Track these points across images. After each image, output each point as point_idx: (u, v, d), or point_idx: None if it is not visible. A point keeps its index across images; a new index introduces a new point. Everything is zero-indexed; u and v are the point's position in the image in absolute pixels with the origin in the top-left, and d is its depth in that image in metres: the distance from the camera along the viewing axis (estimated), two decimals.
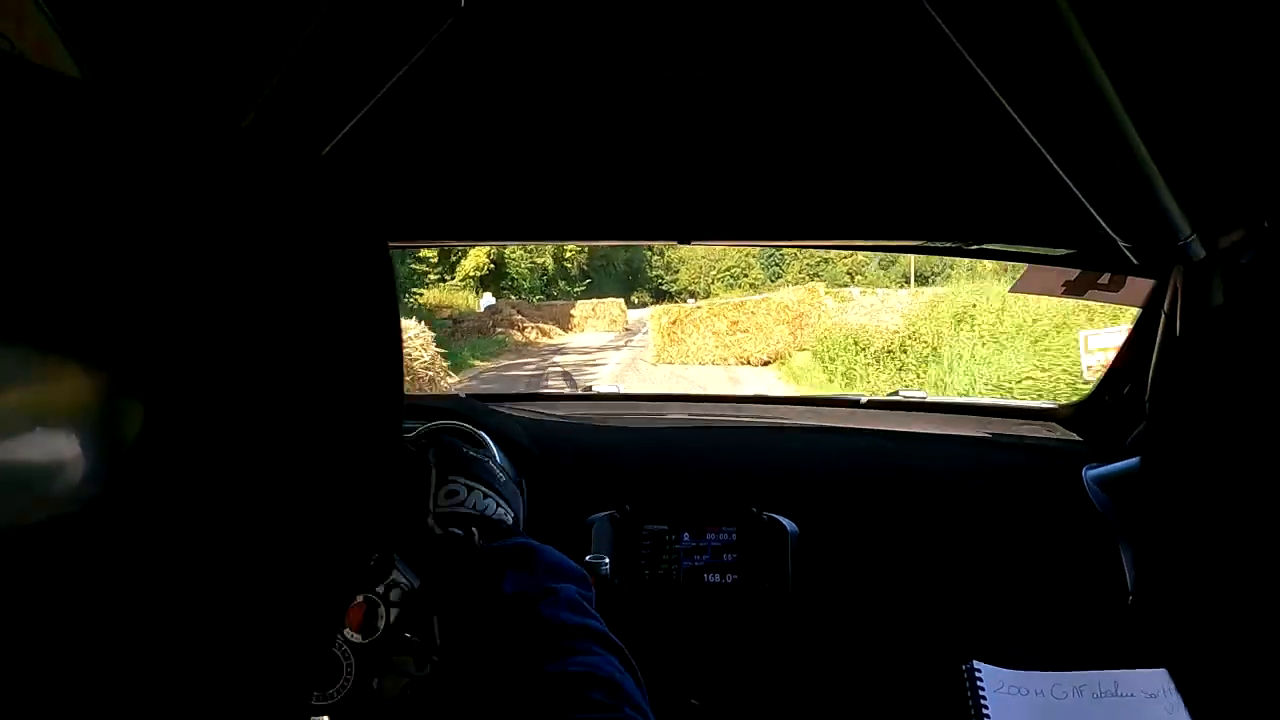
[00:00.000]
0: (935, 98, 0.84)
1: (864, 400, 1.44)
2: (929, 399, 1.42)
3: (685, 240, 1.18)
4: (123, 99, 0.21)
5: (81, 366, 0.18)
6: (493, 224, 1.18)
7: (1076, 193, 0.79)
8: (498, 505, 0.67)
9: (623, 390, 1.52)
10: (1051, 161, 0.75)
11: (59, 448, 0.18)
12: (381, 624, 0.57)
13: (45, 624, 0.18)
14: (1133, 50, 0.61)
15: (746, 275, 39.81)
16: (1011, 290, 1.42)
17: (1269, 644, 0.79)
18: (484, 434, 1.08)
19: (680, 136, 0.96)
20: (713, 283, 40.30)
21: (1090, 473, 1.10)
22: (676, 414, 1.39)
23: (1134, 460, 1.05)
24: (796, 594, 1.06)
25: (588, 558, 0.92)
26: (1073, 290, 1.13)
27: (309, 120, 0.79)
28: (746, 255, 39.34)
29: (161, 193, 0.20)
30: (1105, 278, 1.09)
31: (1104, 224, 0.84)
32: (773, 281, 37.49)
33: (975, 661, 0.77)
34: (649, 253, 39.91)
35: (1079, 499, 1.07)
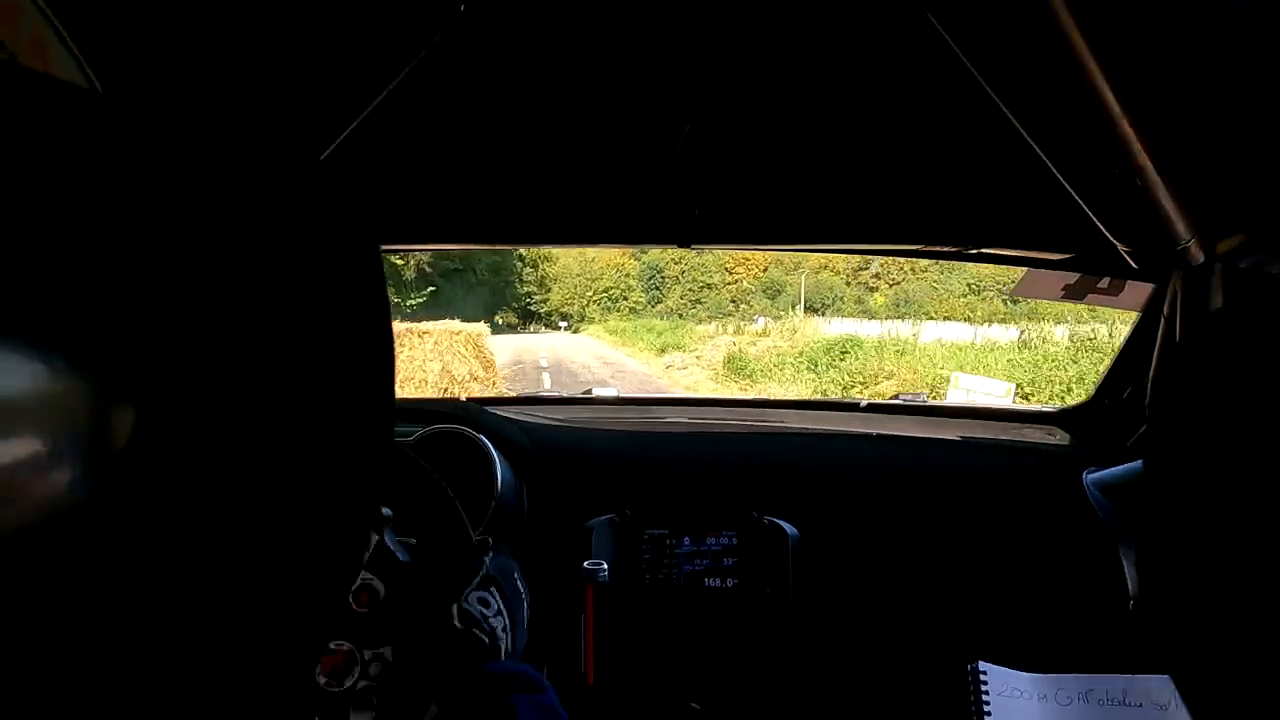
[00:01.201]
0: (935, 103, 0.84)
1: (864, 404, 1.44)
2: (929, 403, 1.42)
3: (686, 244, 1.18)
4: (117, 102, 0.21)
5: (71, 369, 0.18)
6: (493, 227, 1.18)
7: (1076, 197, 0.79)
8: (507, 643, 0.67)
9: (622, 394, 1.51)
10: (1051, 166, 0.75)
11: (46, 451, 0.18)
12: (349, 683, 0.56)
13: (31, 629, 0.18)
14: (1131, 56, 0.61)
15: (626, 298, 37.20)
16: (1012, 294, 1.42)
17: (1272, 648, 0.79)
18: (484, 438, 1.08)
19: (681, 141, 0.96)
20: (588, 305, 37.02)
21: (1090, 477, 1.10)
22: (676, 418, 1.39)
23: (1134, 464, 1.05)
24: (797, 598, 1.06)
25: (587, 563, 0.92)
26: (1072, 294, 1.13)
27: (314, 120, 0.80)
28: (626, 276, 37.21)
29: (154, 196, 0.20)
30: (1105, 282, 1.09)
31: (1103, 228, 0.84)
32: (653, 306, 35.54)
33: (981, 663, 0.76)
34: (519, 263, 35.77)
35: (1079, 503, 1.07)
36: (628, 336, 24.28)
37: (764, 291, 34.02)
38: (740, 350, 15.54)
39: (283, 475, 0.22)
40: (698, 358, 16.52)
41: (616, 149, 0.99)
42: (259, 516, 0.22)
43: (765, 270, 34.30)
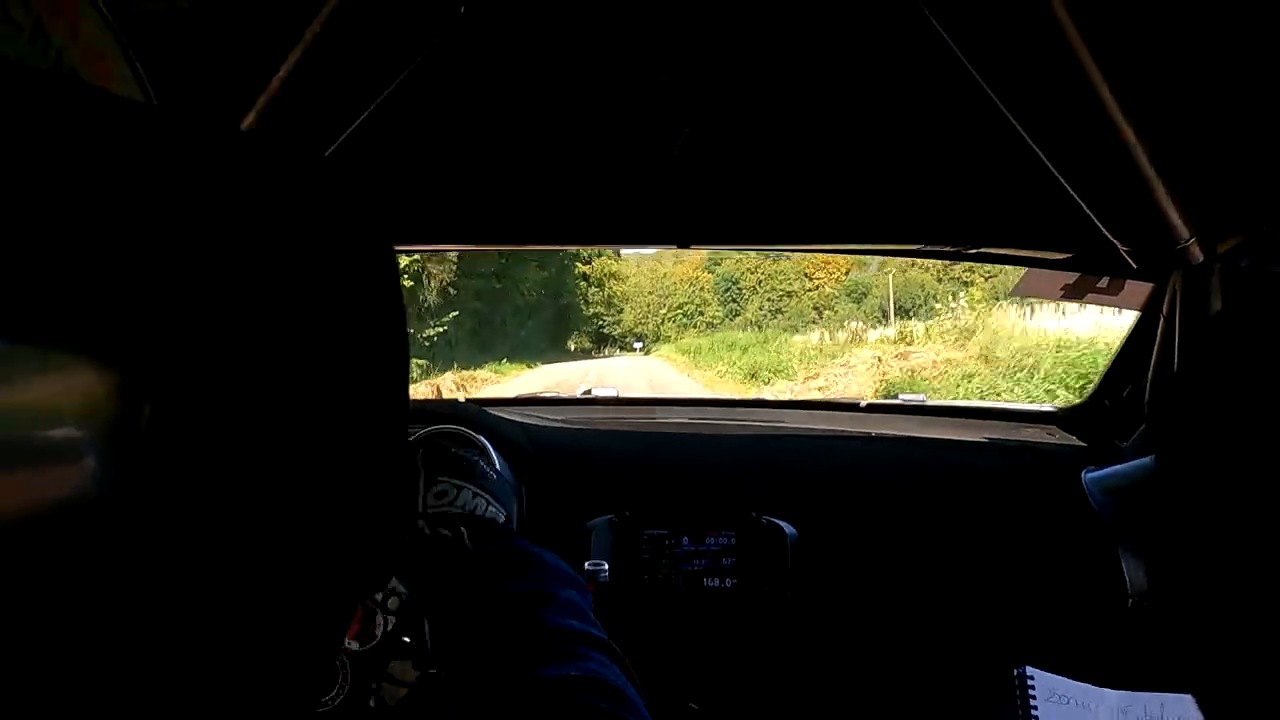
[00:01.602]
0: (934, 102, 0.84)
1: (864, 404, 1.44)
2: (929, 403, 1.42)
3: (685, 244, 1.18)
4: (130, 101, 0.21)
5: (89, 365, 0.18)
6: (494, 228, 1.18)
7: (1075, 196, 0.79)
8: (489, 504, 0.67)
9: (621, 395, 1.51)
10: (1049, 165, 0.75)
11: (65, 446, 0.18)
12: (379, 632, 0.57)
13: (47, 623, 0.18)
14: (1131, 54, 0.61)
15: (702, 313, 35.01)
16: (1011, 294, 1.42)
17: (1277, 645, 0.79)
18: (481, 437, 1.08)
19: (679, 141, 0.96)
20: (663, 323, 35.18)
21: (1090, 476, 1.10)
22: (675, 418, 1.39)
23: (1133, 464, 1.05)
24: (796, 598, 1.06)
25: (587, 564, 0.92)
26: (1072, 294, 1.13)
27: (312, 122, 0.79)
28: (701, 290, 35.24)
29: (168, 194, 0.20)
30: (1104, 281, 1.09)
31: (1102, 228, 0.84)
32: (731, 319, 33.12)
33: (1027, 667, 0.76)
34: (582, 282, 33.40)
35: (1078, 502, 1.07)
36: (703, 357, 18.75)
37: (848, 295, 31.58)
38: (912, 372, 10.13)
39: (299, 472, 0.23)
40: (820, 389, 11.27)
41: (616, 150, 0.99)
42: (274, 514, 0.22)
43: (847, 273, 31.98)
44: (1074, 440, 1.25)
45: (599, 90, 0.87)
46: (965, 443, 1.25)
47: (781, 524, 1.08)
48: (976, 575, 1.08)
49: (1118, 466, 1.08)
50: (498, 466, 0.74)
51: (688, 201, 1.07)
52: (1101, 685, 0.79)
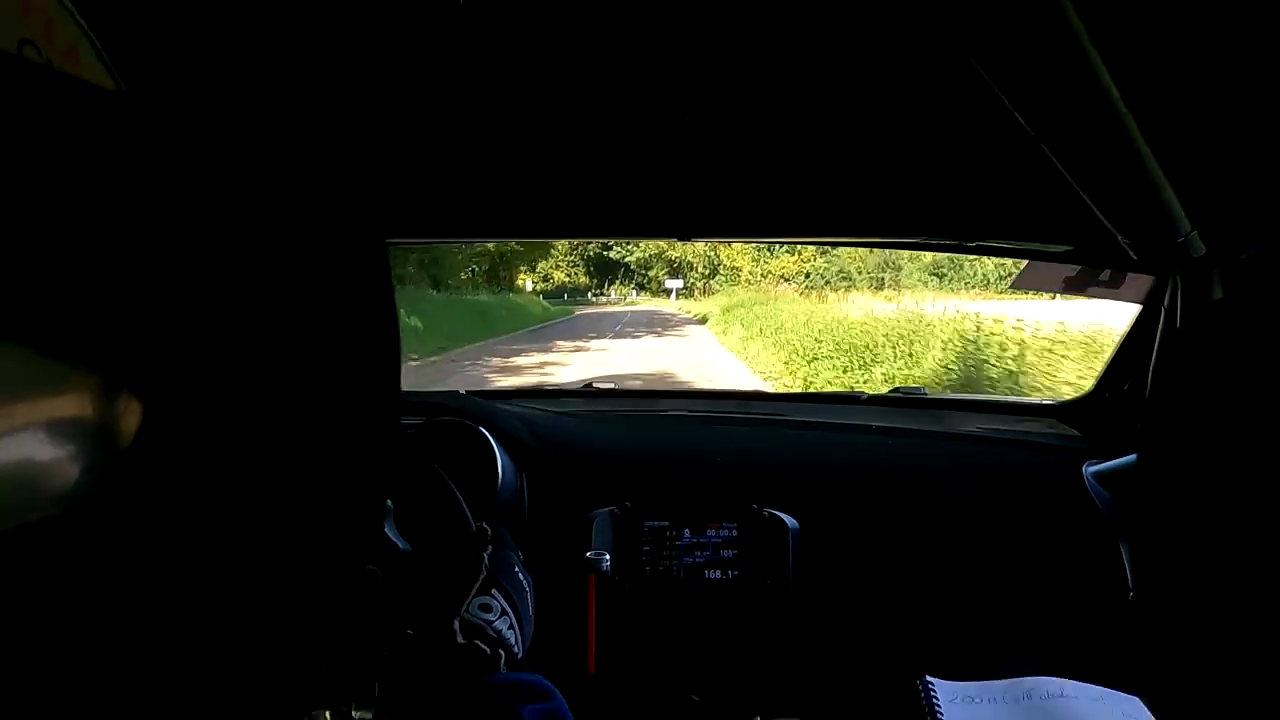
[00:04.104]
0: (934, 94, 0.84)
1: (864, 396, 1.44)
2: (929, 395, 1.42)
3: (685, 237, 1.18)
4: (138, 103, 0.21)
5: (81, 365, 0.18)
6: (491, 220, 1.18)
7: (1076, 188, 0.79)
8: (515, 641, 0.66)
9: (622, 387, 1.51)
10: (1051, 157, 0.75)
11: (56, 447, 0.18)
12: None
13: (36, 627, 0.18)
14: (1133, 46, 0.61)
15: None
16: (1012, 287, 1.42)
17: (1269, 641, 0.79)
18: (482, 429, 1.08)
19: (680, 132, 0.95)
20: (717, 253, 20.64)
21: (1090, 469, 1.10)
22: (677, 410, 1.39)
23: (1134, 456, 1.05)
24: (797, 590, 1.06)
25: (588, 554, 0.93)
26: (1073, 286, 1.13)
27: (307, 118, 0.79)
28: None
29: (160, 192, 0.20)
30: (1105, 274, 1.09)
31: (1104, 220, 0.84)
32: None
33: (928, 677, 0.79)
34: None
35: (1079, 495, 1.07)
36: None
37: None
38: None
39: (291, 468, 0.23)
40: None
41: (616, 141, 0.99)
42: (268, 507, 0.22)
43: None
44: (1074, 433, 1.25)
45: (599, 81, 0.87)
46: (965, 435, 1.25)
47: (783, 516, 1.09)
48: (977, 568, 1.08)
49: (1118, 459, 1.09)
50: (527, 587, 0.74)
51: (688, 193, 1.07)
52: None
